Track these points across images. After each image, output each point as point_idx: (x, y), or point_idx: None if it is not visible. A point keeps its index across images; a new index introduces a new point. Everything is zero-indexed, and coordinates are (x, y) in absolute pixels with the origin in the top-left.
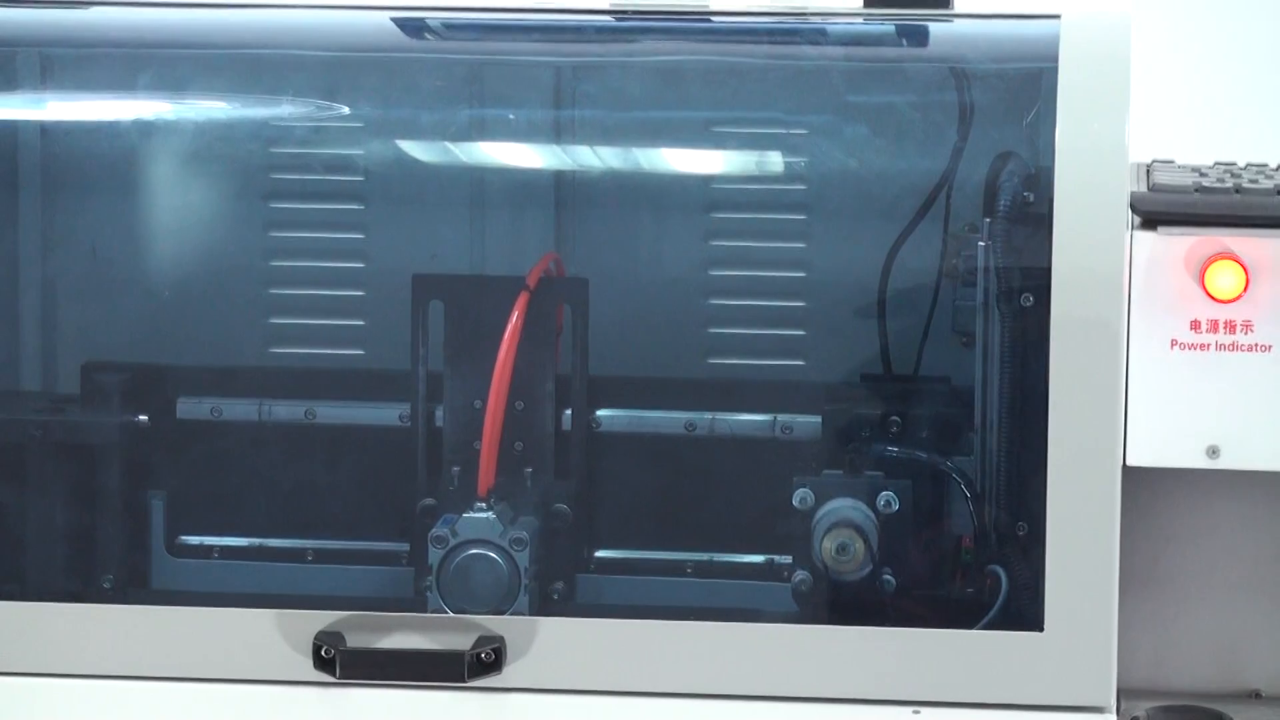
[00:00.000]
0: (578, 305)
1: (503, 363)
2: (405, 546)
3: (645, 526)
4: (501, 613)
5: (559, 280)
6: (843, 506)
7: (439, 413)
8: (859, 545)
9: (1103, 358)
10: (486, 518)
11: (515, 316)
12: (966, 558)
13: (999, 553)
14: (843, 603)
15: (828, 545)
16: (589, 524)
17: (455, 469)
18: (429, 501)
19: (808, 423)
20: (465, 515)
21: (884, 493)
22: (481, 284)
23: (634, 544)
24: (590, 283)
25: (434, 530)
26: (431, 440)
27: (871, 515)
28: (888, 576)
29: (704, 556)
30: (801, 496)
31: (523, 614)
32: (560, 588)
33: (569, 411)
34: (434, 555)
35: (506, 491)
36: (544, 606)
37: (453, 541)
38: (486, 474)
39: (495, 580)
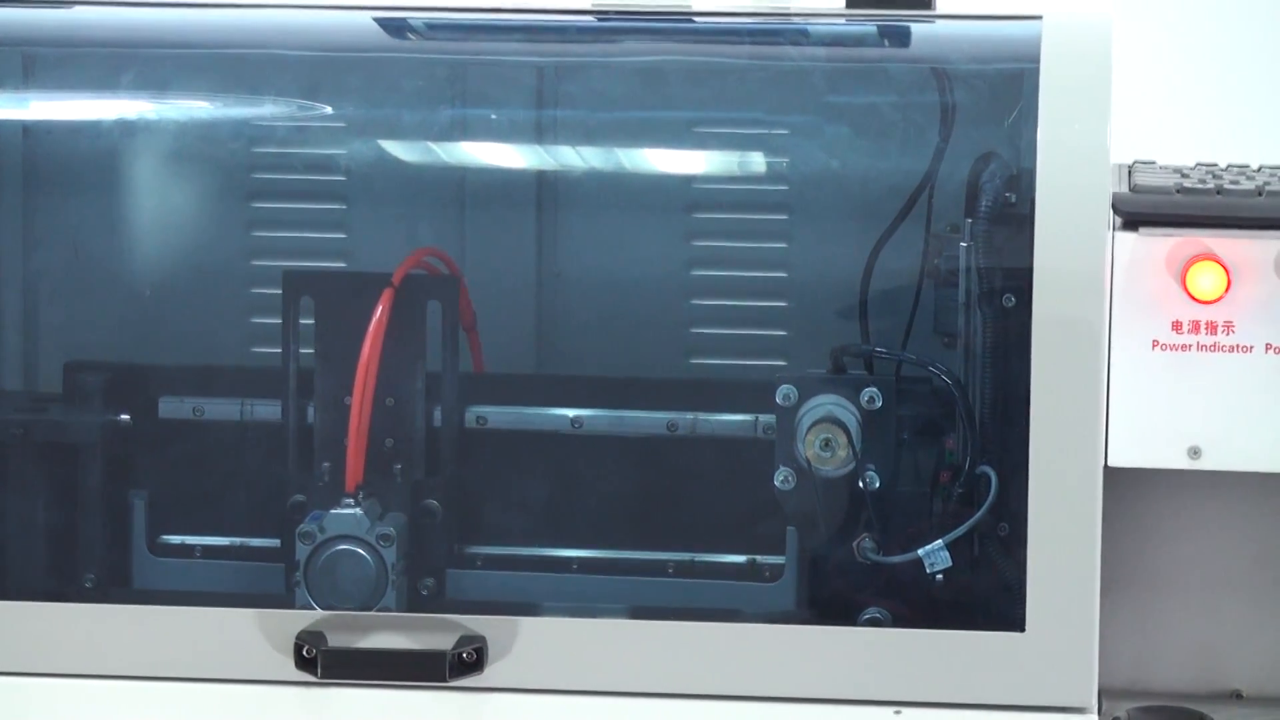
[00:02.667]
0: (448, 303)
1: (367, 358)
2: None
3: (522, 523)
4: (369, 608)
5: (428, 278)
6: (826, 403)
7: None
8: (842, 440)
9: (1084, 358)
10: (353, 514)
11: (380, 312)
12: (950, 458)
13: (985, 455)
14: (826, 502)
15: (811, 440)
16: (461, 520)
17: (325, 464)
18: (299, 498)
19: None
20: (332, 511)
21: (868, 389)
22: (350, 280)
23: (506, 540)
24: (461, 281)
25: (301, 526)
26: (303, 436)
27: (855, 412)
28: (871, 473)
29: (673, 556)
30: (785, 393)
31: (389, 609)
32: (431, 584)
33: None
34: (301, 551)
35: (376, 488)
36: (413, 602)
37: (320, 537)
38: (354, 470)
39: (362, 576)
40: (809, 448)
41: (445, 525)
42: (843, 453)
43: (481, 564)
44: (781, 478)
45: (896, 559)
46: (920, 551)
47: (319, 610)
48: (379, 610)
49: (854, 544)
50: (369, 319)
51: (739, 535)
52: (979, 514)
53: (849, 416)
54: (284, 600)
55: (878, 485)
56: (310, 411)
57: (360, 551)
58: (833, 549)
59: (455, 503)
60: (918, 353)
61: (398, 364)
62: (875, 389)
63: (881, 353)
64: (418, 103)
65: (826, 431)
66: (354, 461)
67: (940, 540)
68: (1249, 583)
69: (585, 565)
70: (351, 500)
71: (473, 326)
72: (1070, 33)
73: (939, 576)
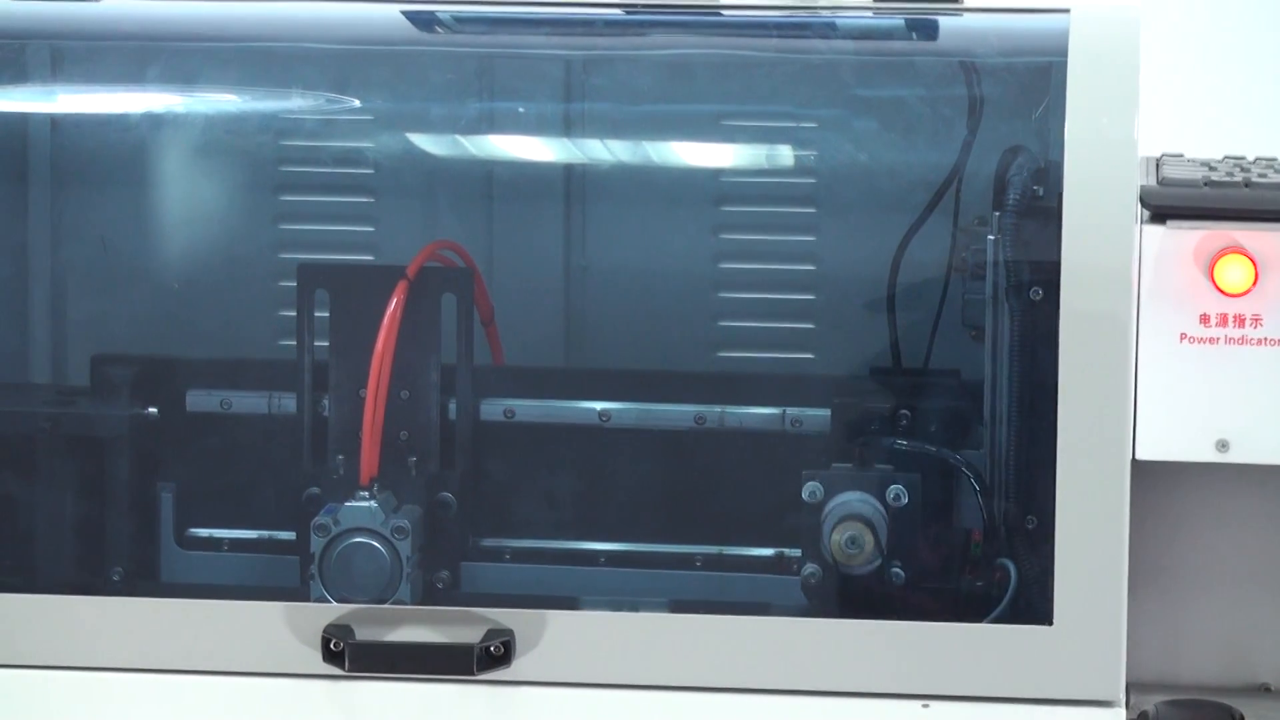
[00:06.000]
0: (462, 295)
1: (381, 350)
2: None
3: (541, 516)
4: (384, 601)
5: (443, 270)
6: (852, 500)
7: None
8: (868, 538)
9: (1112, 351)
10: (368, 506)
11: (394, 304)
12: (976, 550)
13: (1008, 546)
14: (851, 596)
15: (837, 538)
16: (477, 513)
17: (340, 457)
18: (314, 490)
19: (817, 416)
20: (347, 504)
21: (893, 486)
22: (365, 272)
23: (524, 534)
24: (476, 273)
25: (316, 519)
26: (319, 429)
27: (881, 508)
28: (897, 569)
29: (700, 549)
30: (811, 490)
31: (404, 603)
32: (446, 577)
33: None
34: (316, 544)
35: (391, 480)
36: (427, 595)
37: (335, 530)
38: (369, 462)
39: (377, 568)
40: (835, 545)
41: (460, 518)
42: (869, 550)
43: (508, 557)
44: (808, 571)
45: None
46: None
47: (345, 604)
48: (394, 603)
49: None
50: (384, 311)
51: (766, 528)
52: (999, 609)
53: (875, 513)
54: (303, 593)
55: (903, 580)
56: (326, 404)
57: (375, 544)
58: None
59: (471, 495)
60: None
61: (412, 356)
62: (900, 486)
63: (903, 445)
64: (445, 96)
65: (852, 529)
66: (369, 454)
67: None
68: (1277, 576)
69: (610, 558)
70: (366, 493)
71: (491, 320)
72: (1098, 26)
73: None
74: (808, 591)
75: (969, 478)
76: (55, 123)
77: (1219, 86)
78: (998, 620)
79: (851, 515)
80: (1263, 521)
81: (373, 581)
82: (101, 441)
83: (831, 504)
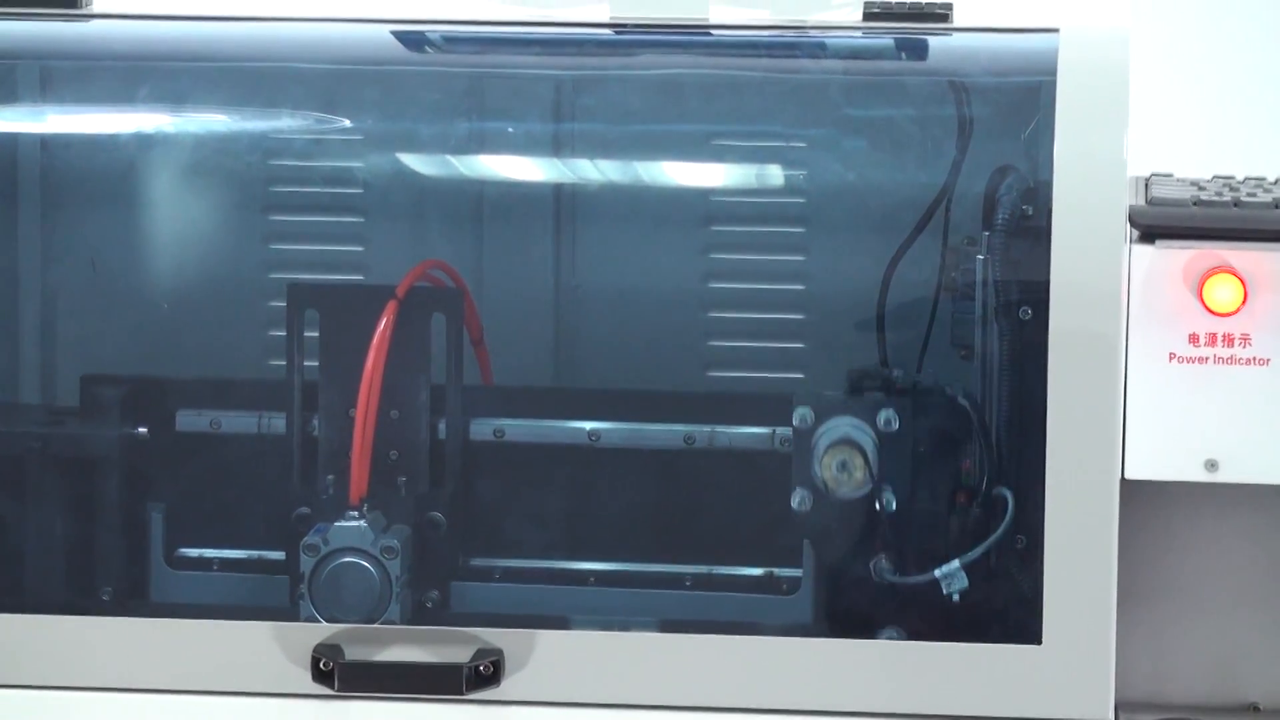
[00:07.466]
0: (452, 315)
1: (371, 370)
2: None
3: (531, 535)
4: (373, 621)
5: (433, 290)
6: (843, 424)
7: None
8: (859, 463)
9: (1101, 371)
10: (358, 526)
11: (384, 324)
12: (967, 480)
13: (1004, 476)
14: (842, 522)
15: (828, 462)
16: (466, 533)
17: (330, 477)
18: (304, 510)
19: None
20: (337, 524)
21: (884, 411)
22: (355, 293)
23: (513, 553)
24: (466, 293)
25: (306, 539)
26: (309, 449)
27: (872, 434)
28: (888, 496)
29: (689, 569)
30: (801, 415)
31: (394, 622)
32: (435, 596)
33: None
34: (306, 563)
35: (380, 500)
36: (417, 615)
37: (324, 550)
38: (358, 482)
39: (366, 588)
40: (825, 470)
41: (450, 538)
42: (859, 475)
43: (498, 577)
44: (798, 499)
45: (913, 580)
46: (937, 573)
47: (335, 623)
48: (383, 623)
49: (871, 564)
50: (373, 331)
51: (756, 548)
52: (995, 535)
53: (866, 438)
54: (293, 613)
55: (894, 507)
56: (316, 424)
57: (364, 564)
58: (850, 567)
59: (460, 515)
60: (936, 367)
61: (402, 376)
62: (892, 411)
63: (898, 375)
64: (435, 116)
65: (843, 454)
66: (358, 474)
67: (957, 561)
68: (1266, 595)
69: (600, 578)
70: (356, 513)
71: (481, 340)
72: (1087, 45)
73: (956, 597)
74: (800, 520)
75: (964, 405)
76: (45, 143)
77: (1208, 106)
78: (992, 550)
79: (842, 440)
80: (1251, 541)
81: (362, 601)
82: (91, 461)
83: (822, 429)
